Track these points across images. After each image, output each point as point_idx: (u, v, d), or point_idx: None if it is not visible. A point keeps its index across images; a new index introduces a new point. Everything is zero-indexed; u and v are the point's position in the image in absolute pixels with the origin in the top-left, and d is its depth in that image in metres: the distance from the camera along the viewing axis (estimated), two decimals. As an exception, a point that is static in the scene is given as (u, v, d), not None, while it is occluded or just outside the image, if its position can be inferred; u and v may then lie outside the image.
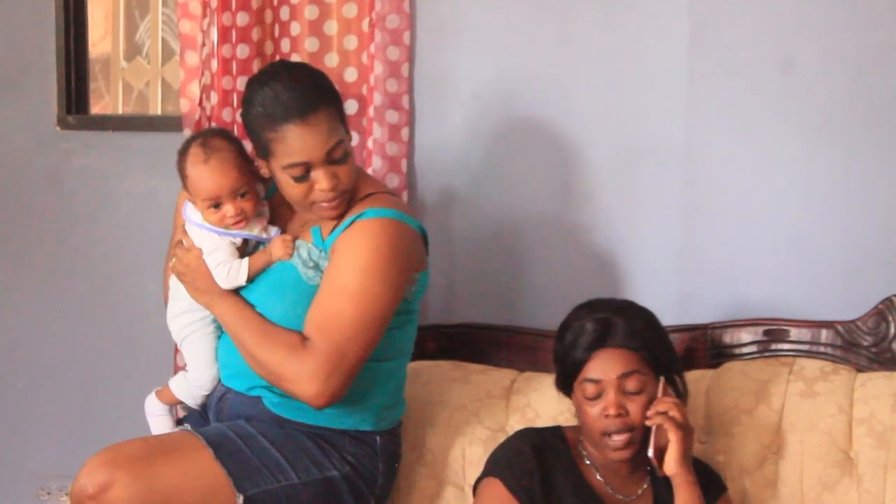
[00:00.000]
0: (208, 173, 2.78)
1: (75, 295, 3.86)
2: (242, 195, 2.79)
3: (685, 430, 2.65)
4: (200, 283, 2.82)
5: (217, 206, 2.79)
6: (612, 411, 2.66)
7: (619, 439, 2.67)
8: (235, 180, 2.78)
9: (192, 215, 2.85)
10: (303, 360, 2.68)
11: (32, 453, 3.94)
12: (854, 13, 3.16)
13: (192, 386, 2.95)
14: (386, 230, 2.73)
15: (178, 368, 3.34)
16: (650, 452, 2.64)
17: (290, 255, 2.78)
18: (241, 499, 2.70)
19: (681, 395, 2.77)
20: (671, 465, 2.64)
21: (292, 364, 2.69)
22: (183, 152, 2.84)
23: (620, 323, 2.70)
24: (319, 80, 2.76)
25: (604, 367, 2.69)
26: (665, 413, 2.64)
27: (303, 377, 2.68)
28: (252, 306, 2.79)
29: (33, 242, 3.89)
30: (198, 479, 2.71)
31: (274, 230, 2.85)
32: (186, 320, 2.92)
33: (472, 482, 2.96)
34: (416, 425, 3.10)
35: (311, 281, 2.76)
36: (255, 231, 2.83)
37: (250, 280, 2.80)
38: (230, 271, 2.78)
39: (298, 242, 2.81)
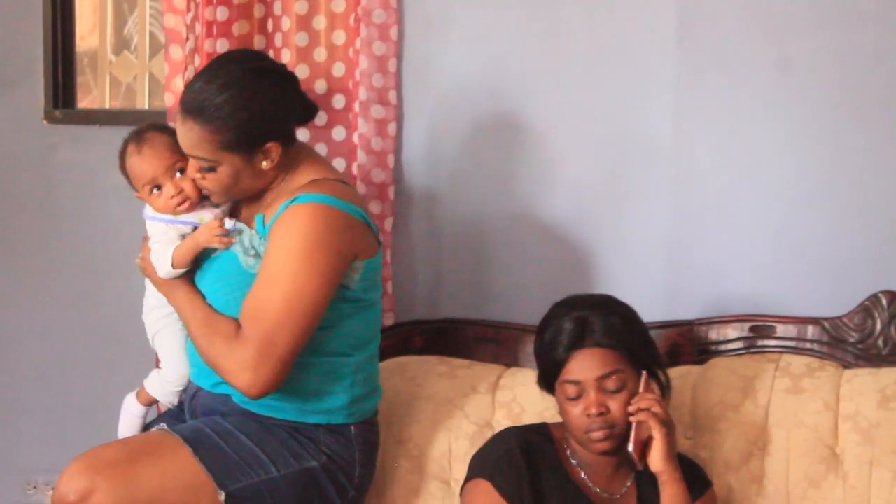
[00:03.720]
0: (142, 159, 2.85)
1: (62, 289, 3.86)
2: (180, 172, 2.83)
3: (668, 425, 2.65)
4: (153, 276, 2.86)
5: (158, 188, 2.84)
6: (593, 411, 2.66)
7: (599, 434, 2.67)
8: (168, 158, 2.83)
9: (147, 211, 2.89)
10: (234, 350, 2.70)
11: (19, 448, 3.94)
12: (843, 11, 3.15)
13: (164, 382, 2.97)
14: (314, 215, 2.71)
15: (159, 364, 3.34)
16: (630, 447, 2.64)
17: (216, 240, 2.76)
18: (223, 495, 2.70)
19: (664, 388, 2.77)
20: (657, 461, 2.65)
21: (227, 355, 2.71)
22: (121, 152, 2.91)
23: (597, 321, 2.69)
24: (224, 93, 2.71)
25: (583, 367, 2.68)
26: (648, 409, 2.64)
27: (236, 368, 2.70)
28: (202, 296, 2.81)
29: (19, 236, 3.89)
30: (179, 478, 2.70)
31: (230, 223, 2.83)
32: (156, 315, 2.95)
33: (458, 477, 2.96)
34: (401, 420, 3.10)
35: (251, 269, 2.77)
36: (204, 219, 2.84)
37: (188, 266, 2.81)
38: (159, 259, 2.81)
39: (241, 226, 2.81)
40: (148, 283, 2.93)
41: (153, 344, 3.02)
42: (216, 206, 2.87)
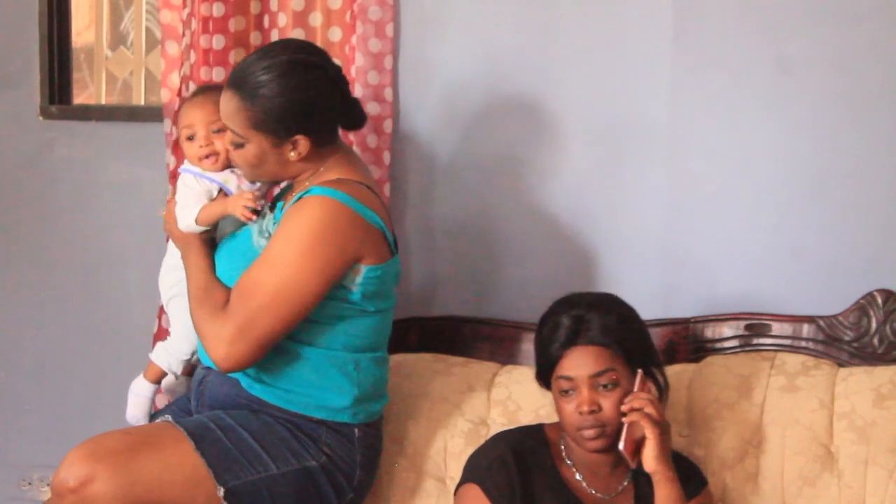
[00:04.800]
0: (189, 105, 2.94)
1: (58, 285, 3.86)
2: (216, 131, 2.88)
3: (662, 425, 2.65)
4: (173, 230, 2.90)
5: (192, 138, 2.91)
6: (584, 408, 2.66)
7: (590, 433, 2.67)
8: (211, 113, 2.88)
9: (184, 164, 2.95)
10: (217, 321, 2.74)
11: (14, 444, 3.93)
12: (839, 9, 3.16)
13: (171, 350, 3.01)
14: (322, 207, 2.73)
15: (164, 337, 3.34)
16: (621, 446, 2.64)
17: (240, 209, 2.79)
18: (221, 491, 2.71)
19: (660, 387, 2.77)
20: (650, 461, 2.64)
21: (209, 324, 2.75)
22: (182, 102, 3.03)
23: (594, 319, 2.69)
24: (267, 73, 2.75)
25: (576, 364, 2.68)
26: (640, 410, 2.64)
27: (213, 338, 2.74)
28: (212, 263, 2.85)
29: (15, 232, 3.89)
30: (179, 471, 2.72)
31: (262, 202, 2.89)
32: (173, 279, 2.98)
33: (453, 475, 2.97)
34: (397, 417, 3.10)
35: (260, 249, 2.80)
36: (231, 185, 2.88)
37: (209, 226, 2.85)
38: (183, 210, 2.85)
39: (266, 212, 2.88)
40: (170, 243, 2.98)
41: (167, 308, 3.06)
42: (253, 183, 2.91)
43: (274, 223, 2.82)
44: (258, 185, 2.91)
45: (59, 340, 3.86)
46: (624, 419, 2.65)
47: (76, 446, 2.73)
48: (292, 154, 2.80)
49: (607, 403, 2.67)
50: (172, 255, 3.00)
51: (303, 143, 2.78)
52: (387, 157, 3.39)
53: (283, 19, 3.40)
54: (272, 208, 2.91)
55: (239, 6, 3.40)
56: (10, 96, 3.84)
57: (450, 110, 3.40)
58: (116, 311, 3.78)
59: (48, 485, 2.99)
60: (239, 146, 2.79)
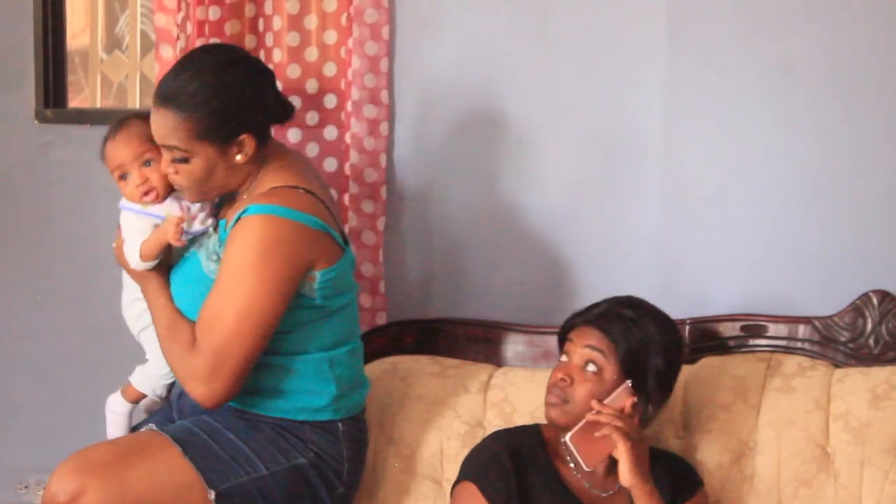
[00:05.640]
0: (114, 145, 2.87)
1: (53, 288, 3.86)
2: (146, 163, 2.83)
3: (635, 439, 2.62)
4: (127, 266, 2.85)
5: (125, 177, 2.85)
6: (559, 375, 2.72)
7: (551, 398, 2.73)
8: (136, 148, 2.83)
9: (122, 201, 2.89)
10: (188, 361, 2.72)
11: (10, 447, 3.93)
12: (835, 9, 3.16)
13: (151, 375, 2.98)
14: (261, 227, 2.69)
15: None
16: (566, 437, 2.63)
17: (173, 237, 2.73)
18: (212, 494, 2.71)
19: (644, 416, 2.75)
20: (625, 475, 2.62)
21: (182, 364, 2.73)
22: (104, 137, 2.92)
23: (619, 316, 2.74)
24: (197, 80, 2.71)
25: (577, 336, 2.75)
26: (609, 423, 2.61)
27: (190, 379, 2.72)
28: (170, 295, 2.81)
29: (10, 236, 3.88)
30: (169, 478, 2.71)
31: (189, 223, 2.83)
32: (139, 309, 2.94)
33: (449, 477, 2.97)
34: (392, 419, 3.10)
35: (212, 274, 2.77)
36: (172, 213, 2.80)
37: (157, 259, 2.79)
38: (130, 249, 2.80)
39: (211, 232, 2.83)
40: (125, 276, 2.94)
41: (139, 339, 3.02)
42: (194, 203, 2.84)
43: (220, 244, 2.78)
44: (199, 205, 2.84)
45: (56, 343, 3.86)
46: (589, 415, 2.64)
47: (64, 460, 2.73)
48: (239, 157, 2.75)
49: (580, 384, 2.71)
50: (131, 286, 2.94)
51: (248, 141, 2.74)
52: (383, 159, 3.39)
53: (277, 22, 3.40)
54: (216, 228, 2.86)
55: (234, 10, 3.40)
56: (4, 100, 3.84)
57: (446, 113, 3.40)
58: (112, 314, 3.72)
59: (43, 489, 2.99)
60: (183, 161, 2.73)
